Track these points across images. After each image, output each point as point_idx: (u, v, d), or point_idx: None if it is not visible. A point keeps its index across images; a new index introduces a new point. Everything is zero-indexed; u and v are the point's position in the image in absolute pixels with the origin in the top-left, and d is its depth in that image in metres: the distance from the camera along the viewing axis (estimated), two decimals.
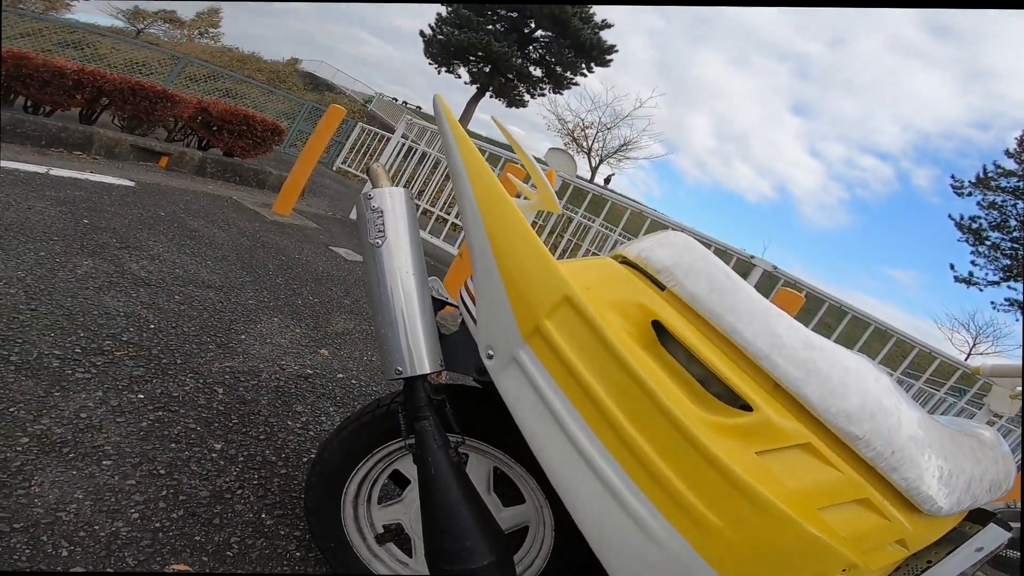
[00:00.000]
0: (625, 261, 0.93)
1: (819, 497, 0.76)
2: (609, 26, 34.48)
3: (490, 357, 0.87)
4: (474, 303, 0.92)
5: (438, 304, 1.03)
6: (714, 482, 0.73)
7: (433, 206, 5.66)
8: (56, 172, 3.13)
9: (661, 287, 0.85)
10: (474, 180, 0.86)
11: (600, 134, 29.65)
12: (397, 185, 1.01)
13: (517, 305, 0.83)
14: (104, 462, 1.23)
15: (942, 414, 5.62)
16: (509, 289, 0.83)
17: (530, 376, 0.82)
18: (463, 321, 1.01)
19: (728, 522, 0.73)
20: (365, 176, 7.55)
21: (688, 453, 0.74)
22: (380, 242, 0.95)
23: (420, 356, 0.93)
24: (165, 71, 9.48)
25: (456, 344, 1.02)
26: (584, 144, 29.96)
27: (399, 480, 1.15)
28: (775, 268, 3.90)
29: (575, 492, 0.80)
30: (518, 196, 1.31)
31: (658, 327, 0.83)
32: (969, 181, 25.69)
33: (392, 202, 0.97)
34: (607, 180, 33.20)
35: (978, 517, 0.94)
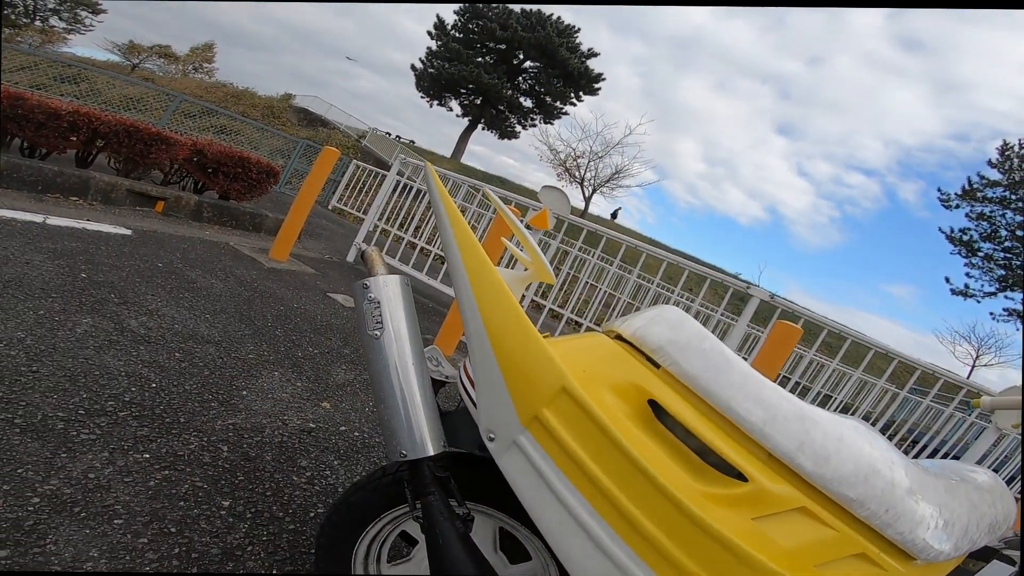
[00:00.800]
0: (619, 338, 0.96)
1: (815, 555, 0.79)
2: (595, 55, 35.21)
3: (491, 440, 0.89)
4: (473, 386, 0.94)
5: (438, 384, 1.06)
6: (712, 550, 0.76)
7: (430, 243, 5.62)
8: (53, 221, 3.16)
9: (657, 365, 0.89)
10: (469, 265, 0.90)
11: (592, 163, 29.69)
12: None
13: (516, 394, 0.86)
14: (115, 521, 1.25)
15: (953, 428, 5.61)
16: (507, 378, 0.86)
17: (532, 459, 0.85)
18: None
19: None
20: (361, 216, 7.57)
21: (686, 526, 0.77)
22: (379, 333, 0.98)
23: (423, 440, 0.95)
24: (160, 106, 9.58)
25: (458, 421, 1.05)
26: (576, 174, 29.98)
27: (408, 538, 1.17)
28: (772, 296, 3.94)
29: (580, 565, 0.82)
30: (504, 257, 1.33)
31: (655, 404, 0.87)
32: (955, 193, 25.98)
33: (388, 291, 1.00)
34: (614, 215, 33.19)
35: (982, 554, 0.96)
